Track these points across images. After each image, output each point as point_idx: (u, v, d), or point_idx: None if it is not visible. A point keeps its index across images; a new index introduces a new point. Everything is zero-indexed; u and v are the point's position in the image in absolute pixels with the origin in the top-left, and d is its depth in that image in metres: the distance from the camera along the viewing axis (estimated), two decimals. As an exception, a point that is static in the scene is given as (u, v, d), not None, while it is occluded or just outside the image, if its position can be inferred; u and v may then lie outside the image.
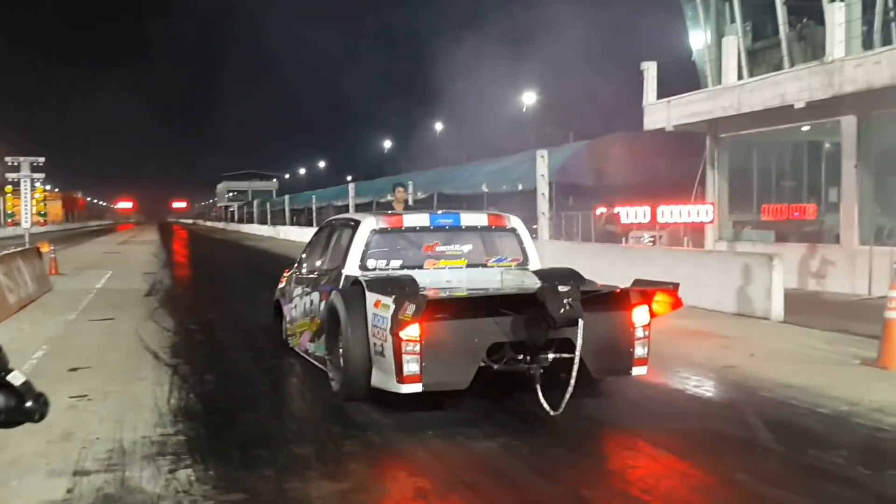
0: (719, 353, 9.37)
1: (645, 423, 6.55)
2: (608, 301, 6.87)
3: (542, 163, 20.77)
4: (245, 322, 12.63)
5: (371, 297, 6.83)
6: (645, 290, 7.02)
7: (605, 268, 13.62)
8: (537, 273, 7.76)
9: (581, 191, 27.42)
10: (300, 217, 62.05)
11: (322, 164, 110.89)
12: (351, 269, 7.88)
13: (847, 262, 15.76)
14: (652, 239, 21.00)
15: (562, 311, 6.19)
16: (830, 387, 7.62)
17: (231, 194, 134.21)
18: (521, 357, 6.69)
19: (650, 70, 20.82)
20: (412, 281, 7.06)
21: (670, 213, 18.71)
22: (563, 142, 36.65)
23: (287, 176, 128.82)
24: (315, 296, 8.55)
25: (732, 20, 20.42)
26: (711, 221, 19.22)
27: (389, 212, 9.84)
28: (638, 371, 6.97)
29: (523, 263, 8.30)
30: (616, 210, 20.45)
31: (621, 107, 27.74)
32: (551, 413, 6.39)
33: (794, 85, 16.08)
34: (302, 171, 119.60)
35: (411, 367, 6.26)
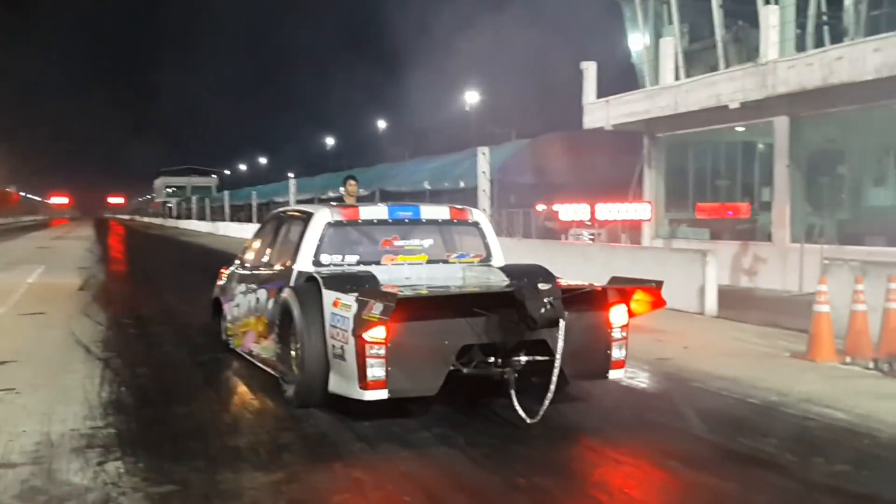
0: (654, 346, 9.51)
1: (582, 416, 6.62)
2: (585, 300, 6.44)
3: (484, 160, 20.86)
4: (180, 317, 12.44)
5: (329, 296, 6.37)
6: (623, 288, 6.66)
7: (544, 264, 13.69)
8: (504, 270, 7.52)
9: (522, 188, 27.64)
10: (240, 213, 61.27)
11: (263, 161, 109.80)
12: (303, 264, 7.34)
13: (779, 259, 16.15)
14: (591, 236, 21.25)
15: (542, 310, 5.79)
16: (761, 378, 7.80)
17: (169, 190, 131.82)
18: (491, 360, 6.29)
19: (590, 70, 21.07)
20: (372, 278, 6.66)
21: (609, 210, 18.99)
22: (506, 140, 36.87)
23: (227, 172, 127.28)
24: (262, 293, 7.99)
25: (670, 22, 20.76)
26: (648, 219, 19.55)
27: (344, 203, 9.46)
28: (615, 374, 6.64)
29: (486, 259, 7.93)
30: (555, 207, 20.66)
31: (564, 106, 28.00)
32: (528, 420, 5.97)
33: (728, 86, 16.43)
34: (243, 167, 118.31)
35: (376, 371, 5.78)
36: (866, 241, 14.78)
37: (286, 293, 6.98)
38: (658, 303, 6.73)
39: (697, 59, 20.26)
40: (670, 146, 20.89)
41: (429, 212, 8.04)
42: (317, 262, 7.37)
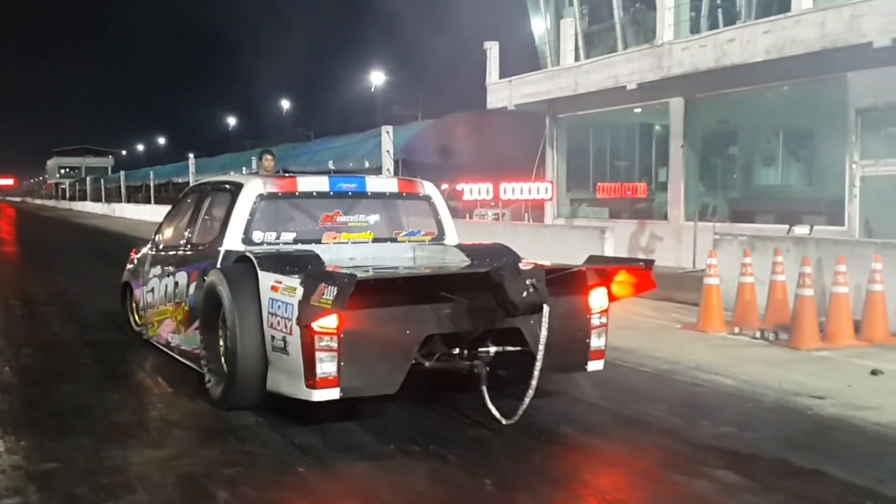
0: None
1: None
2: (561, 282, 5.66)
3: (388, 138, 20.75)
4: (71, 297, 12.06)
5: (266, 278, 5.51)
6: (604, 268, 6.04)
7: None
8: (462, 249, 6.70)
9: (427, 168, 27.58)
10: (138, 195, 59.51)
11: (162, 141, 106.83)
12: (232, 243, 6.44)
13: (674, 237, 16.61)
14: (495, 215, 21.42)
15: (524, 294, 5.10)
16: (653, 348, 8.01)
17: (63, 171, 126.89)
18: (456, 352, 5.61)
19: (492, 50, 21.16)
20: (316, 258, 5.79)
21: (512, 190, 19.18)
22: (412, 122, 36.79)
23: (124, 152, 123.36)
24: (181, 276, 7.08)
25: (570, 3, 21.02)
26: (550, 199, 19.83)
27: (279, 174, 8.61)
28: (594, 366, 5.94)
29: (439, 238, 7.19)
30: (459, 187, 20.74)
31: (469, 88, 28.10)
32: (504, 422, 5.29)
33: (626, 67, 16.74)
34: (140, 147, 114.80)
35: (326, 367, 4.96)
36: (756, 219, 15.34)
37: (213, 276, 6.08)
38: (645, 284, 6.11)
39: (597, 40, 20.59)
40: (571, 127, 21.19)
41: (375, 184, 7.23)
42: (247, 240, 6.48)
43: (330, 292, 4.78)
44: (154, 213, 42.82)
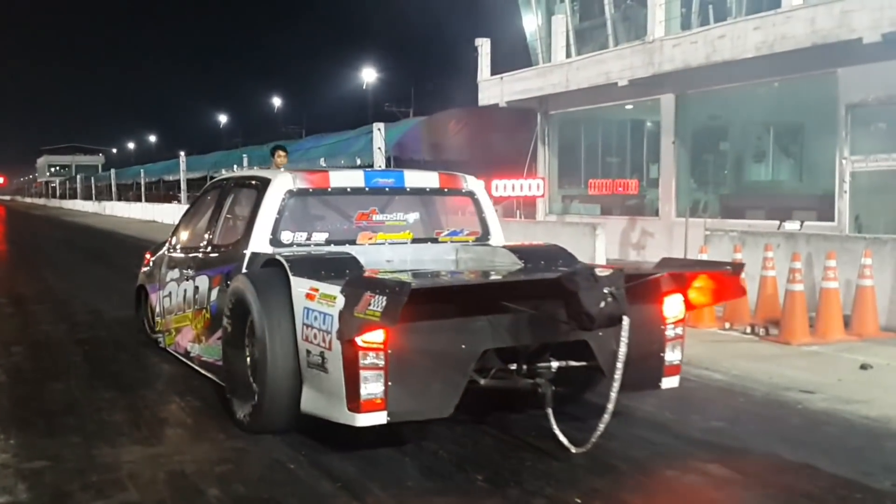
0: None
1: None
2: (634, 290, 4.96)
3: (379, 136, 20.70)
4: (61, 295, 12.00)
5: (300, 285, 4.95)
6: (681, 273, 5.35)
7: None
8: (513, 251, 6.11)
9: (418, 165, 27.55)
10: (128, 193, 59.31)
11: (152, 139, 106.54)
12: (258, 244, 5.88)
13: (665, 233, 16.62)
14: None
15: (602, 304, 4.48)
16: (645, 344, 8.00)
17: (53, 169, 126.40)
18: (513, 367, 5.03)
19: (484, 46, 21.14)
20: (354, 261, 5.24)
21: (504, 186, 19.16)
22: (404, 119, 36.76)
23: (114, 150, 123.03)
24: (202, 280, 6.50)
25: (562, 0, 21.03)
26: (542, 195, 19.81)
27: (311, 168, 8.00)
28: (669, 382, 5.34)
29: (483, 238, 6.63)
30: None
31: (461, 85, 28.12)
32: (574, 450, 4.73)
33: (617, 63, 16.74)
34: (131, 145, 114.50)
35: (371, 387, 4.39)
36: (747, 215, 15.35)
37: (238, 281, 5.47)
38: (731, 291, 5.48)
39: (588, 37, 20.60)
40: (563, 123, 21.20)
41: (414, 178, 6.59)
42: (276, 242, 5.92)
43: (377, 303, 4.18)
44: (145, 211, 42.73)
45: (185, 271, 6.96)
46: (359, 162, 27.97)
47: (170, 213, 37.12)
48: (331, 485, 4.41)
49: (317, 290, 4.78)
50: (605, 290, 4.51)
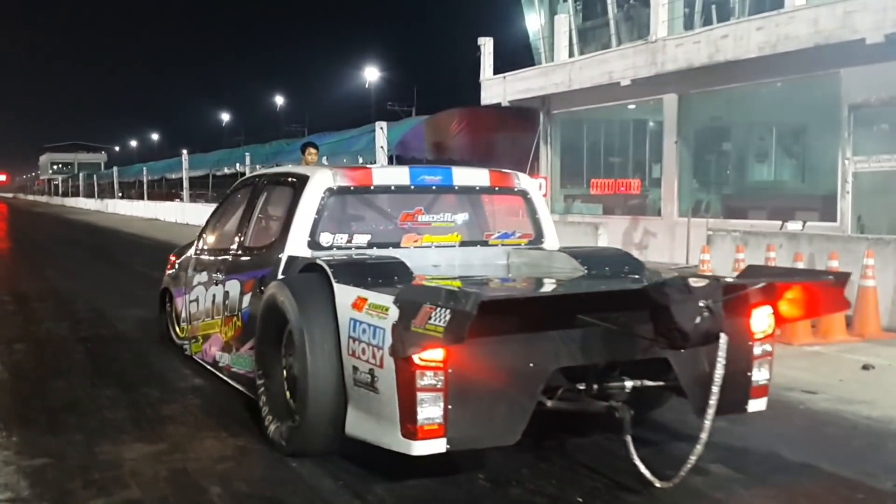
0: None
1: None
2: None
3: (381, 134, 20.78)
4: (63, 293, 12.03)
5: (345, 293, 4.50)
6: (772, 284, 4.70)
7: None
8: (574, 255, 5.61)
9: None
10: (131, 190, 59.40)
11: (155, 137, 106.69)
12: (295, 247, 5.42)
13: (667, 233, 16.62)
14: (488, 212, 21.40)
15: (698, 320, 3.98)
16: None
17: (55, 167, 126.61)
18: (582, 388, 4.52)
19: (487, 45, 21.13)
20: (403, 267, 4.83)
21: (505, 186, 19.17)
22: (406, 118, 36.77)
23: (117, 148, 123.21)
24: (232, 285, 6.05)
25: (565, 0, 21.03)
26: (544, 195, 19.79)
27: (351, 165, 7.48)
28: (756, 405, 4.80)
29: (536, 240, 6.17)
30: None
31: (463, 84, 28.16)
32: (658, 485, 4.23)
33: (620, 63, 16.73)
34: (133, 143, 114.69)
35: (429, 411, 3.91)
36: (749, 215, 15.34)
37: (274, 288, 5.02)
38: (832, 304, 4.82)
39: (591, 36, 20.60)
40: (565, 123, 21.19)
41: (463, 176, 6.12)
42: (314, 244, 5.47)
43: (440, 316, 3.69)
44: (147, 209, 42.77)
45: (213, 275, 6.52)
46: (361, 161, 27.97)
47: (172, 211, 37.18)
48: (333, 483, 4.41)
49: (365, 299, 4.31)
50: (701, 304, 4.01)
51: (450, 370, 3.91)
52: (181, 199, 40.26)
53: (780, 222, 13.23)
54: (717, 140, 17.56)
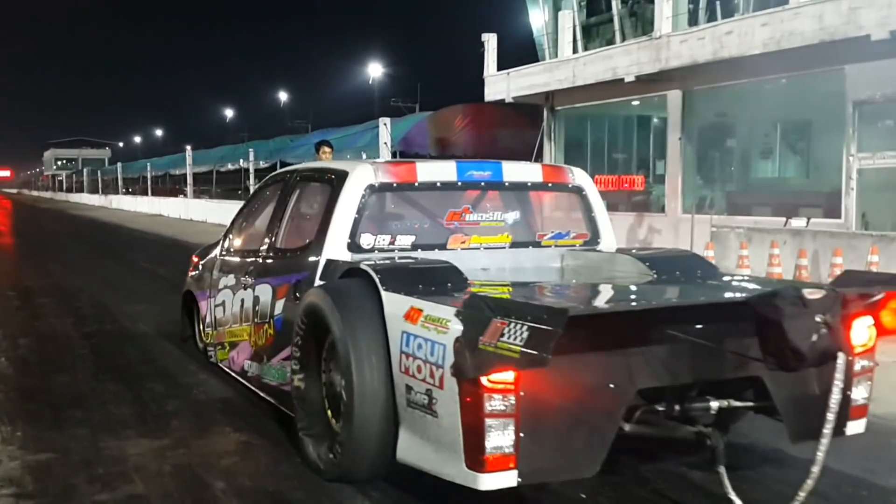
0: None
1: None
2: None
3: (385, 130, 20.77)
4: (67, 288, 12.05)
5: (395, 302, 4.04)
6: (870, 293, 3.98)
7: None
8: (640, 258, 5.12)
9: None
10: (135, 186, 59.49)
11: (159, 133, 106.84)
12: (334, 249, 4.95)
13: (671, 229, 16.61)
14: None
15: (814, 337, 3.45)
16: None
17: (60, 162, 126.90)
18: (662, 409, 3.94)
19: (490, 42, 21.12)
20: (455, 272, 4.36)
21: (509, 182, 19.17)
22: (410, 114, 36.79)
23: (121, 144, 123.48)
24: (264, 290, 5.55)
25: (569, -5, 21.02)
26: (547, 191, 19.82)
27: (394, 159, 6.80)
28: (854, 427, 4.30)
29: (592, 240, 5.65)
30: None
31: (467, 80, 28.17)
32: None
33: (624, 59, 16.73)
34: (137, 139, 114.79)
35: (498, 439, 3.42)
36: (753, 212, 15.34)
37: (314, 296, 4.52)
38: None
39: (595, 33, 20.59)
40: (569, 119, 21.18)
41: (513, 171, 5.59)
42: (354, 246, 4.99)
43: (515, 333, 3.21)
44: (151, 205, 42.79)
45: (242, 278, 5.98)
46: (364, 157, 28.01)
47: (176, 207, 37.21)
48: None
49: (420, 310, 3.83)
50: (818, 319, 3.47)
51: (521, 393, 3.42)
52: (185, 195, 40.29)
53: (784, 219, 13.23)
54: (722, 136, 17.56)
